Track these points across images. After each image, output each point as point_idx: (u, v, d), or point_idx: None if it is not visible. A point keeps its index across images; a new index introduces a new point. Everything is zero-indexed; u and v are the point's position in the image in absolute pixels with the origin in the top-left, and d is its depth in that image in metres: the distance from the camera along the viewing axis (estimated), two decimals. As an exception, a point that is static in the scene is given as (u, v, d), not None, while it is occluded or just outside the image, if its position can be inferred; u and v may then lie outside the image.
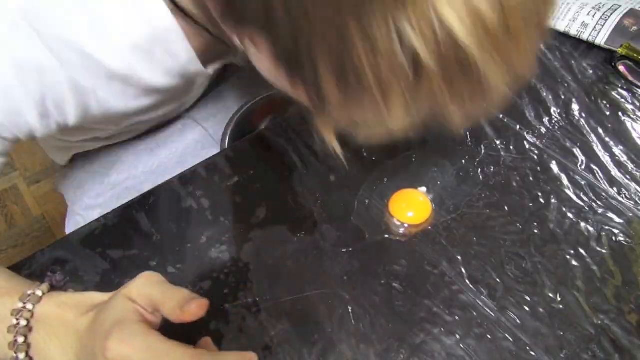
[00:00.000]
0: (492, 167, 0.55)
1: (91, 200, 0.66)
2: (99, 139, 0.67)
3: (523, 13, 0.22)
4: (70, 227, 0.67)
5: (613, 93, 0.63)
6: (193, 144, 0.70)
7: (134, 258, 0.48)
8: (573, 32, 0.69)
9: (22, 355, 0.36)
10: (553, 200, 0.52)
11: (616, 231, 0.49)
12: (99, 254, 0.49)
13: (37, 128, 0.41)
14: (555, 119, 0.60)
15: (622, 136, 0.58)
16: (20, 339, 0.35)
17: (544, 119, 0.60)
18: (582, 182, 0.53)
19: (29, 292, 0.37)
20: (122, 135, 0.67)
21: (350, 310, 0.45)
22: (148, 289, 0.35)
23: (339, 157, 0.32)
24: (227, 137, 0.68)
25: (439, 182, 0.53)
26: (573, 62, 0.67)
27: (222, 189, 0.54)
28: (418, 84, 0.23)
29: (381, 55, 0.22)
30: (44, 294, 0.38)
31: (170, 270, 0.48)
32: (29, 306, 0.36)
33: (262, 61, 0.33)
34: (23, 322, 0.36)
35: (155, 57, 0.45)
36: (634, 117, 0.60)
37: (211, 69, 0.54)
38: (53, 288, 0.40)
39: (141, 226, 0.51)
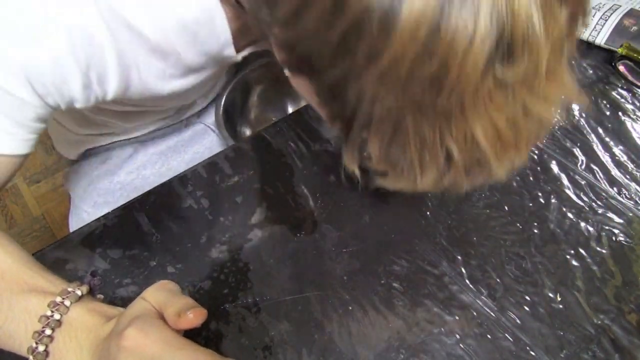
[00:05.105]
0: (492, 167, 0.55)
1: (100, 198, 0.66)
2: (113, 134, 0.67)
3: (529, 134, 0.29)
4: (74, 223, 0.67)
5: (613, 93, 0.63)
6: (202, 149, 0.70)
7: (134, 258, 0.48)
8: (573, 32, 0.69)
9: None
10: (553, 200, 0.52)
11: (616, 231, 0.49)
12: (99, 254, 0.49)
13: (77, 98, 0.42)
14: (555, 119, 0.60)
15: (622, 136, 0.58)
16: (41, 348, 0.36)
17: (544, 119, 0.60)
18: (582, 182, 0.53)
19: (58, 301, 0.37)
20: (134, 131, 0.68)
21: (350, 310, 0.45)
22: (158, 293, 0.38)
23: (357, 180, 0.37)
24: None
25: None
26: (573, 62, 0.67)
27: (222, 189, 0.54)
28: (448, 167, 0.30)
29: (426, 148, 0.29)
30: (71, 303, 0.38)
31: (170, 270, 0.48)
32: (57, 316, 0.37)
33: (303, 87, 0.34)
34: (48, 331, 0.36)
35: (198, 37, 0.44)
36: (634, 117, 0.60)
37: (240, 56, 0.53)
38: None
39: (141, 226, 0.51)
